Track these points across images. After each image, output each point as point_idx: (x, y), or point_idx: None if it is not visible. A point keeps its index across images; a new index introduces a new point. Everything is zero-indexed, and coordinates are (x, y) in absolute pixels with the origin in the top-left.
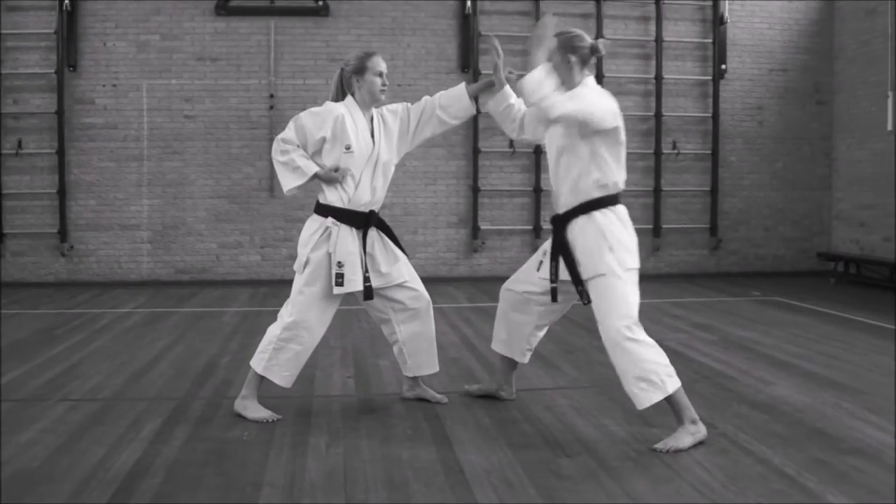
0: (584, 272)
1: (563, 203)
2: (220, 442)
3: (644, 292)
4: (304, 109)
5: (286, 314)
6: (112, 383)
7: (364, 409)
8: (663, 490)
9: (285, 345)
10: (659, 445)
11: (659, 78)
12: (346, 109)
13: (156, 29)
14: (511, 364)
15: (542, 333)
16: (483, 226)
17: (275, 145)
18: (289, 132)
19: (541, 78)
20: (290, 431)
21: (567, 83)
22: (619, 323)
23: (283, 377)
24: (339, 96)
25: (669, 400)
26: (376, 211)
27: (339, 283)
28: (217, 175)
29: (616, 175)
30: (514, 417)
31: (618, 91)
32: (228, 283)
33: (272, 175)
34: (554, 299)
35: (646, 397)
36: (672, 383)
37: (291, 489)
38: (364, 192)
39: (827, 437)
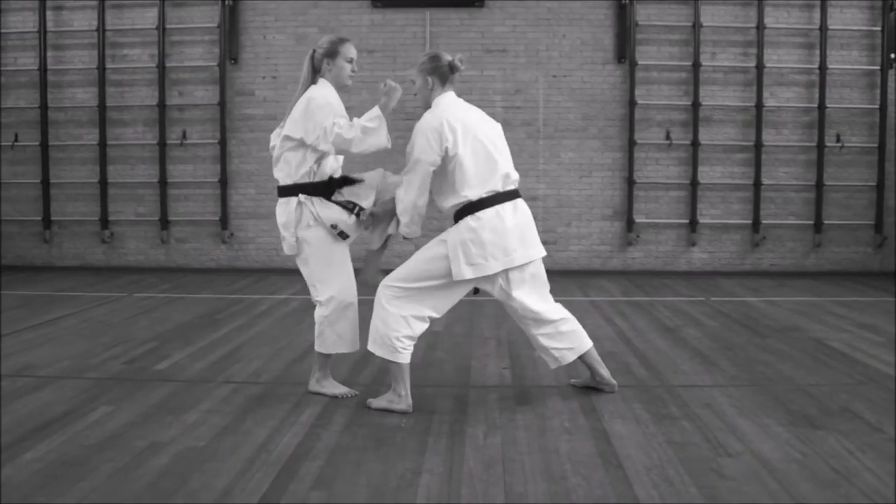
0: None
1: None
2: (378, 428)
3: (804, 290)
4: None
5: (322, 294)
6: (272, 367)
7: (520, 401)
8: (830, 495)
9: (336, 316)
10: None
11: (823, 68)
12: (333, 93)
13: (314, 22)
14: (580, 358)
15: (555, 330)
16: (638, 219)
17: (344, 133)
18: (341, 118)
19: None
20: (447, 420)
21: (429, 102)
22: (386, 280)
23: (348, 344)
24: (311, 78)
25: (390, 367)
26: (336, 175)
27: (345, 236)
28: (372, 166)
29: (461, 191)
30: (673, 414)
31: (779, 81)
32: (382, 272)
33: None
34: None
35: (372, 343)
36: (398, 355)
37: (450, 478)
38: (328, 164)
39: None
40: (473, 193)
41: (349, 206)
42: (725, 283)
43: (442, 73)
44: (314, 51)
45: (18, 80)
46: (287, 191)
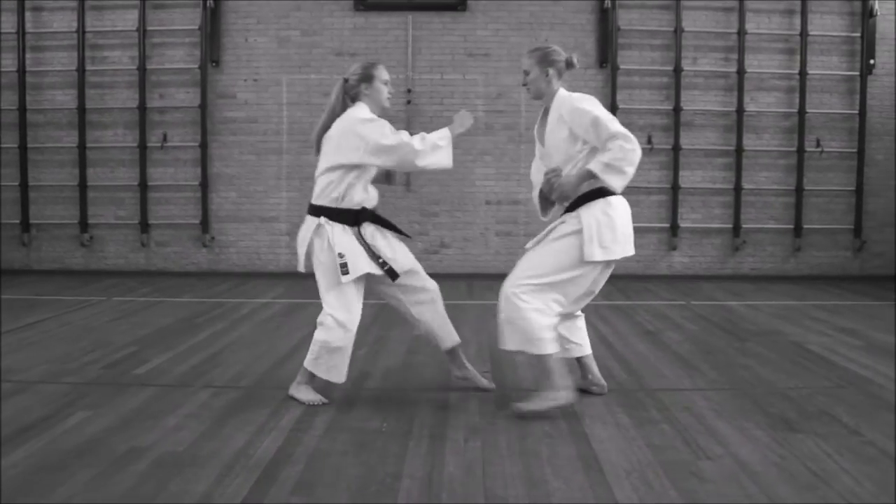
0: None
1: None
2: (359, 432)
3: (784, 293)
4: (440, 104)
5: (325, 317)
6: (253, 371)
7: (501, 405)
8: (808, 497)
9: (332, 345)
10: (521, 405)
11: (803, 73)
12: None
13: (296, 24)
14: (578, 360)
15: (573, 326)
16: None
17: (413, 143)
18: (401, 133)
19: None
20: (428, 424)
21: (546, 94)
22: (513, 281)
23: (336, 374)
24: (342, 107)
25: (539, 363)
26: (370, 207)
27: (345, 272)
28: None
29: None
30: (653, 417)
31: (759, 87)
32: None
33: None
34: None
35: (511, 341)
36: (546, 345)
37: (430, 482)
38: (357, 193)
39: None
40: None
41: (377, 258)
42: (706, 287)
43: (559, 68)
44: (346, 80)
45: None
46: (312, 210)
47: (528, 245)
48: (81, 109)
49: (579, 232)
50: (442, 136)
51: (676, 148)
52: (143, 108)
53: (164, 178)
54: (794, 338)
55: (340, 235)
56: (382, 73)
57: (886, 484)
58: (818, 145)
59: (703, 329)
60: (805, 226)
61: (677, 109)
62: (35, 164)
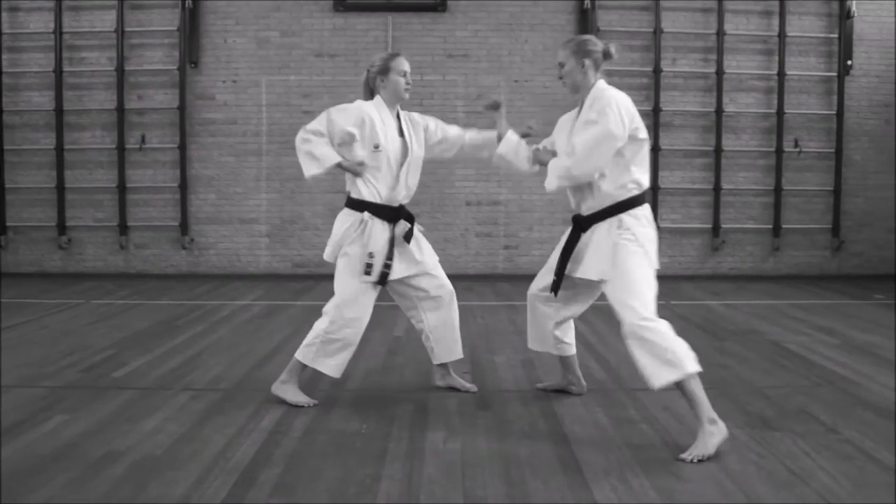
0: (600, 272)
1: (587, 206)
2: (338, 434)
3: (763, 293)
4: (420, 105)
5: (331, 308)
6: (232, 374)
7: (481, 405)
8: (786, 495)
9: (332, 336)
10: (685, 455)
11: (781, 74)
12: (375, 109)
13: (275, 25)
14: (563, 359)
15: (567, 327)
16: None
17: (300, 134)
18: (317, 124)
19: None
20: (407, 426)
21: (582, 86)
22: (637, 313)
23: (331, 367)
24: (368, 97)
25: (684, 391)
26: (405, 205)
27: (368, 273)
28: (334, 170)
29: (636, 175)
30: (632, 417)
31: (738, 87)
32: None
33: None
34: (554, 293)
35: (658, 375)
36: (693, 362)
37: (409, 483)
38: (400, 189)
39: None
40: (646, 181)
41: (368, 262)
42: (686, 287)
43: (596, 59)
44: (368, 71)
45: None
46: (353, 203)
47: (594, 275)
48: (59, 111)
49: (635, 241)
50: (330, 155)
51: (656, 149)
52: (121, 109)
53: (142, 180)
54: (773, 337)
55: (377, 234)
56: (399, 64)
57: (863, 482)
58: (796, 146)
59: (683, 329)
60: (783, 226)
61: (657, 110)
62: (12, 166)
